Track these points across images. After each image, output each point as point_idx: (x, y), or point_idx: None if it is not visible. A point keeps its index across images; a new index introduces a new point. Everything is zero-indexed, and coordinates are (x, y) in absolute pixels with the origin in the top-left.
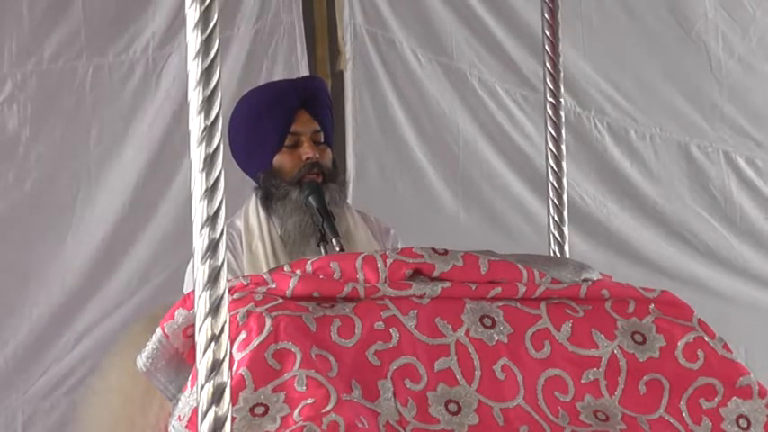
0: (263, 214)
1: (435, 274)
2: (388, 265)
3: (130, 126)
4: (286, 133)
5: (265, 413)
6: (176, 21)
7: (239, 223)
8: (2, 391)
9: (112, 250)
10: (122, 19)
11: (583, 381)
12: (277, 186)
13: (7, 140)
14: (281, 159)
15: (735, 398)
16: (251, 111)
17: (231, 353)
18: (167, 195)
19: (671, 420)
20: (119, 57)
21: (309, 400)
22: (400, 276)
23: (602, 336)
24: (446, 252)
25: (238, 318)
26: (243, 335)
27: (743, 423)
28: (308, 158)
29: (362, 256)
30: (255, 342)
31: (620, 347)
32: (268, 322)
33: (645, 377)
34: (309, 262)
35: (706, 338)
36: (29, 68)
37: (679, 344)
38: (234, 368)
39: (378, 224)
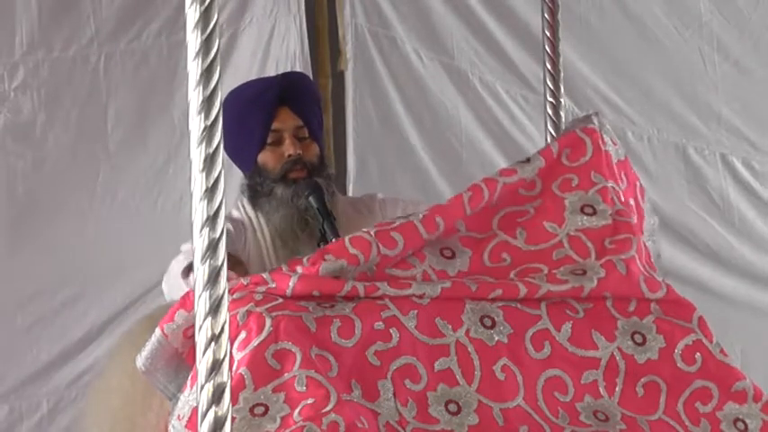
0: (252, 211)
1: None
2: (374, 234)
3: (148, 112)
4: (267, 131)
5: (265, 413)
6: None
7: (237, 214)
8: (26, 380)
9: (135, 234)
10: (131, 7)
11: (582, 381)
12: (262, 184)
13: (23, 125)
14: (264, 157)
15: (730, 402)
16: (233, 110)
17: (231, 353)
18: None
19: (670, 422)
20: (130, 44)
21: (309, 400)
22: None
23: (602, 337)
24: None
25: (238, 318)
26: (243, 335)
27: (740, 426)
28: (289, 155)
29: (349, 237)
30: (255, 342)
31: (619, 349)
32: (268, 322)
33: (643, 379)
34: (305, 259)
35: (705, 342)
36: (40, 56)
37: (678, 345)
38: (233, 368)
39: (365, 200)
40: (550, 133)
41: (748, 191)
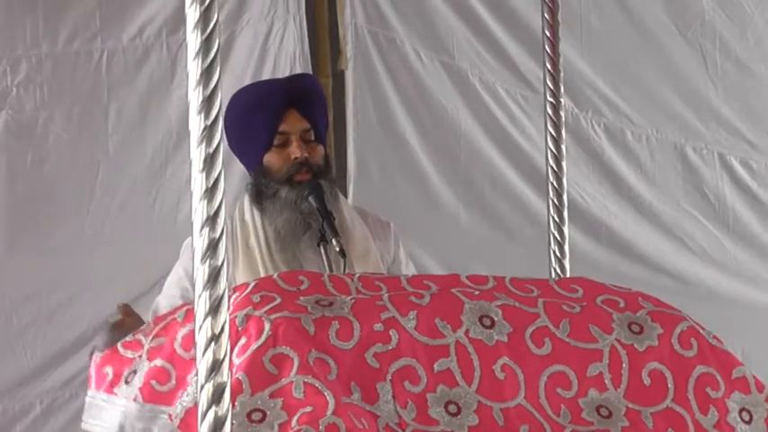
0: (256, 211)
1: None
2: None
3: (149, 109)
4: (275, 133)
5: (263, 420)
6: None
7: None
8: (19, 381)
9: (132, 236)
10: (135, 4)
11: (588, 374)
12: (267, 185)
13: (25, 122)
14: (270, 159)
15: (736, 391)
16: (241, 110)
17: (231, 358)
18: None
19: (678, 410)
20: (132, 41)
21: (308, 409)
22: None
23: (599, 330)
24: None
25: (237, 322)
26: (243, 340)
27: (745, 416)
28: (296, 158)
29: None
30: (254, 346)
31: (617, 340)
32: (267, 326)
33: (647, 366)
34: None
35: (697, 328)
36: (44, 51)
37: (674, 331)
38: (232, 373)
39: (376, 220)
40: (550, 133)
41: (744, 191)
